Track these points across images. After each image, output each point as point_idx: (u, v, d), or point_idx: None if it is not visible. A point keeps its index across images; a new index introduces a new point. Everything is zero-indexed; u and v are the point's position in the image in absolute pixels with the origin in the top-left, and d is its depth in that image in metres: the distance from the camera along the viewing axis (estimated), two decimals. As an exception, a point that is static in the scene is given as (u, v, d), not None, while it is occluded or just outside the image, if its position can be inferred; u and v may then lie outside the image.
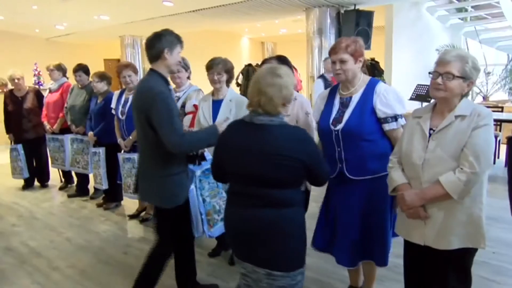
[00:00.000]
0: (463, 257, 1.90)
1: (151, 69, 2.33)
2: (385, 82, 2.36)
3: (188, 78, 3.51)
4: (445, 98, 1.85)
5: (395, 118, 2.20)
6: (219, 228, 2.74)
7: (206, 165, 2.66)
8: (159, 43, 2.26)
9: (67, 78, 5.22)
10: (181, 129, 2.25)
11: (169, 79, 2.44)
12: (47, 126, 5.13)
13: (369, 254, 2.34)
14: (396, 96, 2.23)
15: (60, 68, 5.11)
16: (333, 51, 2.23)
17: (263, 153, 1.72)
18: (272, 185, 1.75)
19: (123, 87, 4.07)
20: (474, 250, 1.91)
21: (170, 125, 2.17)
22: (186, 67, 3.42)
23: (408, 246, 2.04)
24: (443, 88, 1.82)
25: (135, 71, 3.94)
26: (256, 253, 1.79)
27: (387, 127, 2.21)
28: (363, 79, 2.29)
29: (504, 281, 2.83)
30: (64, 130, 5.01)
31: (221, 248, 3.33)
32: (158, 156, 2.27)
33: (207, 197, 2.66)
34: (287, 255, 1.78)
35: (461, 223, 1.83)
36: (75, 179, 5.35)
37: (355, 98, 2.25)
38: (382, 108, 2.19)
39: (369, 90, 2.23)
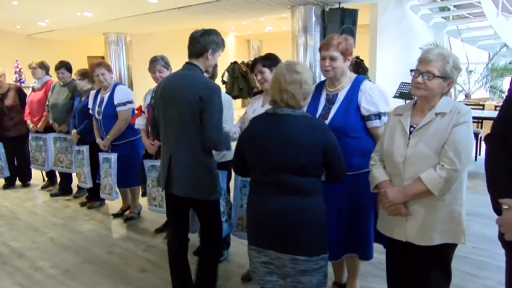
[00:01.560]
0: (444, 253, 1.94)
1: (191, 63, 2.31)
2: (369, 80, 2.40)
3: None
4: (426, 97, 1.88)
5: (378, 116, 2.23)
6: (224, 230, 2.70)
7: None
8: (205, 42, 2.27)
9: (50, 76, 5.12)
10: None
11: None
12: (31, 125, 5.03)
13: (353, 248, 2.38)
14: (381, 94, 2.26)
15: (43, 66, 5.00)
16: (324, 47, 2.25)
17: (287, 141, 1.82)
18: (296, 172, 1.83)
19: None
20: (455, 246, 1.95)
21: (218, 121, 2.23)
22: (166, 65, 3.41)
23: (390, 243, 2.07)
24: (423, 87, 1.85)
25: (109, 69, 3.91)
26: (281, 240, 1.86)
27: (370, 124, 2.25)
28: (349, 77, 2.32)
29: (484, 275, 2.89)
30: (49, 129, 4.92)
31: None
32: (204, 149, 2.27)
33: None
34: (310, 241, 1.87)
35: (442, 220, 1.86)
36: (58, 178, 5.28)
37: (341, 95, 2.28)
38: (366, 105, 2.22)
39: (355, 88, 2.27)
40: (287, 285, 1.91)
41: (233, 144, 2.35)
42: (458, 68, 1.86)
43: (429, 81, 1.83)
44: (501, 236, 1.56)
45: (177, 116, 2.25)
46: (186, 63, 2.33)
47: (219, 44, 2.32)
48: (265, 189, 1.90)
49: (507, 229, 1.43)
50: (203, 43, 2.26)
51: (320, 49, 2.29)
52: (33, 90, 5.08)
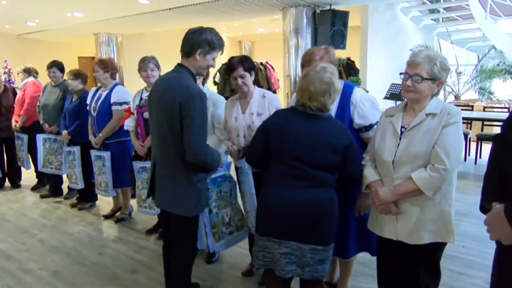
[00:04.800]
0: (433, 251, 1.96)
1: (180, 65, 2.13)
2: (360, 83, 2.39)
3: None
4: (416, 99, 1.90)
5: (370, 126, 2.23)
6: (225, 243, 2.58)
7: (216, 173, 2.46)
8: (195, 41, 2.05)
9: (35, 77, 5.24)
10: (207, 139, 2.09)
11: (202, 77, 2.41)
12: (13, 124, 5.07)
13: (366, 246, 2.40)
14: (372, 104, 2.25)
15: (25, 70, 5.18)
16: (306, 64, 2.19)
17: (317, 138, 1.93)
18: (322, 168, 1.94)
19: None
20: (444, 245, 1.98)
21: (202, 131, 2.02)
22: (158, 65, 3.42)
23: (381, 242, 2.09)
24: (413, 89, 1.87)
25: (104, 67, 3.88)
26: (303, 231, 1.93)
27: (362, 135, 2.27)
28: None
29: (473, 274, 2.92)
30: (26, 128, 4.97)
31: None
32: (185, 161, 2.06)
33: (214, 207, 2.48)
34: (328, 231, 1.97)
35: (431, 219, 1.88)
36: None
37: (332, 111, 2.23)
38: (358, 121, 2.22)
39: (346, 100, 2.24)
40: (305, 274, 1.97)
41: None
42: (446, 69, 1.88)
43: (418, 84, 1.85)
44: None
45: (158, 122, 2.12)
46: (177, 64, 2.17)
47: (213, 44, 2.08)
48: (290, 182, 1.95)
49: (491, 230, 1.46)
50: (192, 42, 2.06)
51: (302, 66, 2.24)
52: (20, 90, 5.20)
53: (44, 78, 4.96)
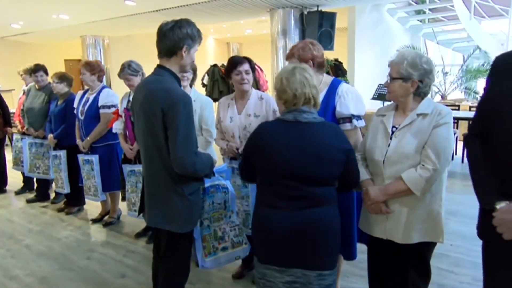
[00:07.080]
0: (423, 251, 1.97)
1: (161, 66, 1.94)
2: (348, 83, 2.39)
3: None
4: (394, 99, 1.95)
5: (349, 119, 2.21)
6: (217, 259, 2.37)
7: (208, 182, 2.27)
8: (177, 37, 1.86)
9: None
10: (196, 146, 1.88)
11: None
12: (18, 126, 4.97)
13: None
14: (355, 96, 2.24)
15: (29, 71, 5.05)
16: (289, 57, 2.24)
17: (313, 151, 1.71)
18: (319, 183, 1.74)
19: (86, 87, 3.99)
20: (434, 244, 1.99)
21: (188, 141, 1.82)
22: (134, 72, 3.33)
23: (371, 241, 2.10)
24: (388, 90, 1.93)
25: (91, 69, 3.82)
26: (307, 256, 1.74)
27: (342, 127, 2.21)
28: (324, 81, 2.28)
29: (461, 271, 2.95)
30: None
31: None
32: (174, 173, 1.88)
33: (206, 219, 2.29)
34: (333, 253, 1.82)
35: (421, 219, 1.89)
36: (35, 184, 5.15)
37: None
38: (339, 109, 2.21)
39: (332, 92, 2.25)
40: None
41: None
42: (417, 68, 1.84)
43: (390, 84, 1.91)
44: (479, 232, 1.62)
45: (143, 132, 1.95)
46: (157, 66, 1.97)
47: (195, 37, 1.91)
48: (285, 203, 1.74)
49: (504, 229, 1.43)
50: (174, 38, 1.86)
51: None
52: (24, 93, 5.06)
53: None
